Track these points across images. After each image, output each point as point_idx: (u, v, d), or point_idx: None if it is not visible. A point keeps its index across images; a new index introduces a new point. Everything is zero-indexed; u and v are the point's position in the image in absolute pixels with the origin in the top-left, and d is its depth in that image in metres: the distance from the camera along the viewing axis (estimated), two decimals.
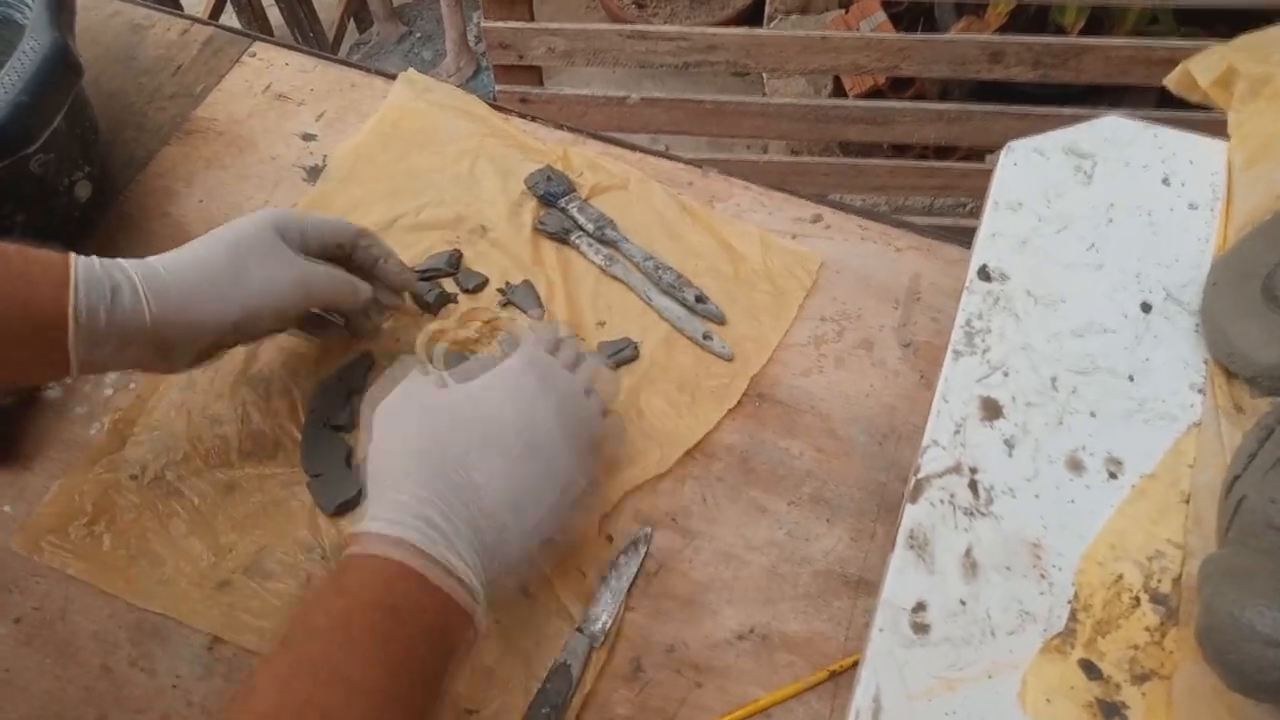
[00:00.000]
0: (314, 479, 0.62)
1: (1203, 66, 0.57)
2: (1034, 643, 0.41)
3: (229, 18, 1.78)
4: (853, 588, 0.58)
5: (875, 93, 1.48)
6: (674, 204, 0.74)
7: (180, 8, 1.82)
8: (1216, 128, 0.57)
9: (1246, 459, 0.41)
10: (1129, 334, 0.49)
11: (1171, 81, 0.60)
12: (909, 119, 1.21)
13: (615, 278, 0.71)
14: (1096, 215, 0.53)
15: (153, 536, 0.60)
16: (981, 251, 0.52)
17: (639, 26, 1.14)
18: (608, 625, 0.57)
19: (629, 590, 0.59)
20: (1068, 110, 1.22)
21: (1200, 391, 0.47)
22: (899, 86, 1.49)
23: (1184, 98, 0.59)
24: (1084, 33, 1.42)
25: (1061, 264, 0.51)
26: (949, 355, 0.49)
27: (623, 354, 0.67)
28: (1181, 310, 0.49)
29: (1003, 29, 1.47)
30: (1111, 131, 0.55)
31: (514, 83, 1.22)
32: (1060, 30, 1.46)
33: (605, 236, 0.72)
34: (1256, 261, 0.47)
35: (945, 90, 1.60)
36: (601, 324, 0.69)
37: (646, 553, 0.60)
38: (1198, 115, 0.60)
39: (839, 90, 1.57)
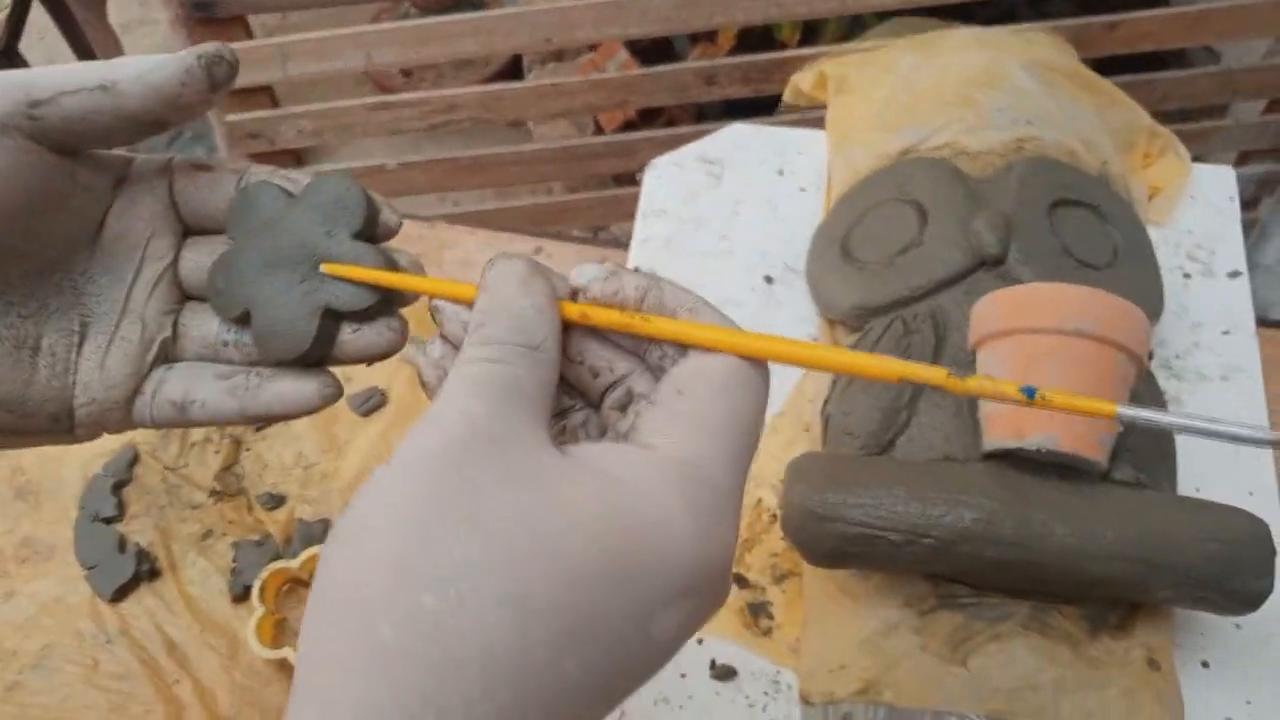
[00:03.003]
0: (90, 570, 0.66)
1: (803, 77, 0.68)
2: None
3: None
4: None
5: (629, 125, 1.59)
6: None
7: None
8: None
9: (832, 384, 0.51)
10: (756, 303, 0.59)
11: (786, 94, 0.71)
12: (650, 146, 1.31)
13: None
14: (726, 210, 0.62)
15: None
16: (635, 256, 0.61)
17: (381, 98, 1.21)
18: None
19: None
20: (788, 117, 1.35)
21: (815, 340, 0.57)
22: (650, 116, 1.61)
23: (797, 104, 0.71)
24: (800, 44, 1.58)
25: (700, 255, 0.61)
26: None
27: (371, 402, 0.73)
28: (796, 276, 0.59)
29: (733, 50, 1.62)
30: (735, 137, 0.66)
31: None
32: (783, 45, 1.62)
33: None
34: (838, 227, 0.57)
35: (700, 111, 1.73)
36: (348, 379, 0.75)
37: None
38: None
39: (599, 128, 1.67)
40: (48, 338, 0.31)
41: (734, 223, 0.62)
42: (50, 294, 0.31)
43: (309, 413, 0.32)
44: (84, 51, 1.88)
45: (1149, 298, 0.53)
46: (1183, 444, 0.50)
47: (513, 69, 2.03)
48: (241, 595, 0.64)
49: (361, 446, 0.71)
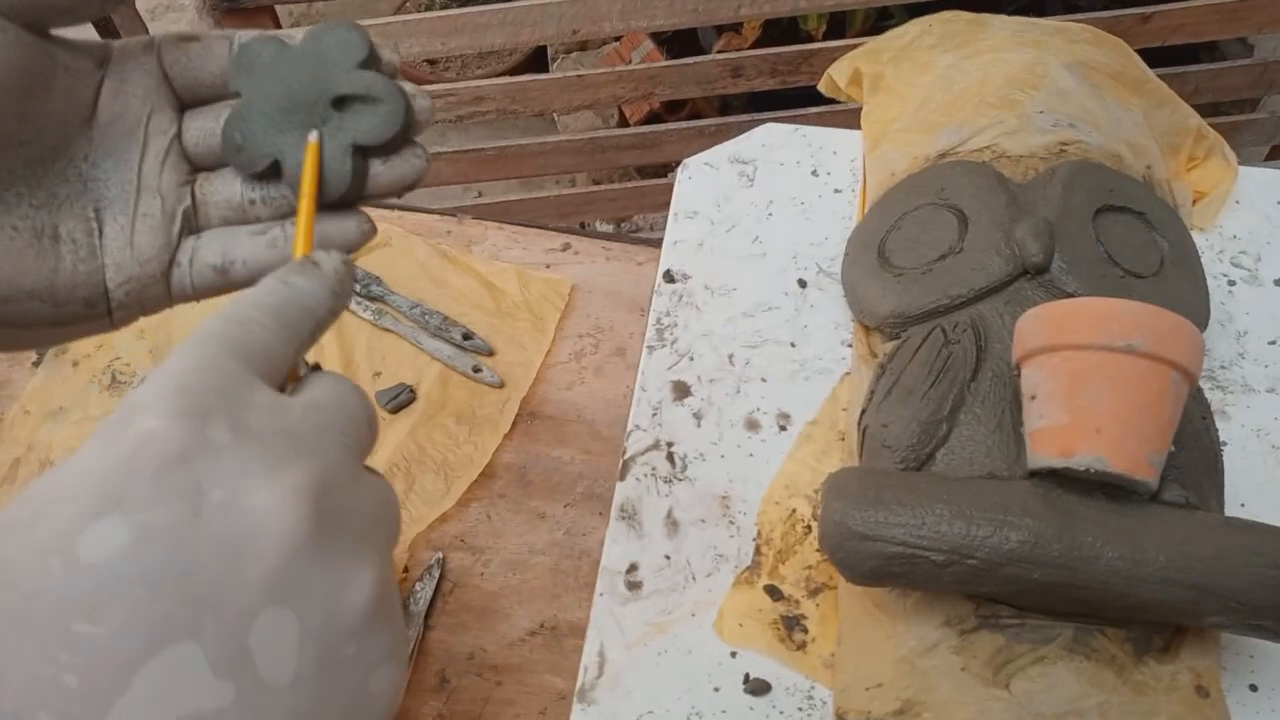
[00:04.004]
0: None
1: (839, 70, 0.67)
2: (727, 580, 0.49)
3: None
4: None
5: (653, 117, 1.58)
6: (435, 253, 0.80)
7: None
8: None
9: (868, 395, 0.50)
10: (790, 308, 0.58)
11: (822, 85, 0.70)
12: (675, 138, 1.31)
13: (386, 329, 0.76)
14: (758, 212, 0.61)
15: None
16: (666, 258, 0.60)
17: None
18: (410, 648, 0.62)
19: (427, 612, 0.64)
20: (813, 110, 1.34)
21: (849, 346, 0.56)
22: (674, 108, 1.60)
23: (834, 97, 0.69)
24: (826, 35, 1.56)
25: (732, 258, 0.60)
26: (644, 351, 0.56)
27: (400, 399, 0.73)
28: (831, 281, 0.58)
29: (758, 42, 1.60)
30: (768, 137, 0.64)
31: None
32: (809, 36, 1.60)
33: (372, 293, 0.78)
34: (875, 231, 0.56)
35: (724, 103, 1.71)
36: (378, 374, 0.74)
37: (440, 575, 0.66)
38: None
39: (624, 119, 1.66)
40: (64, 225, 0.31)
41: (767, 225, 0.61)
42: (56, 182, 0.31)
43: (351, 250, 0.32)
44: (110, 35, 1.89)
45: (1197, 308, 0.52)
46: (1229, 459, 0.49)
47: (537, 57, 2.02)
48: None
49: (391, 442, 0.70)
